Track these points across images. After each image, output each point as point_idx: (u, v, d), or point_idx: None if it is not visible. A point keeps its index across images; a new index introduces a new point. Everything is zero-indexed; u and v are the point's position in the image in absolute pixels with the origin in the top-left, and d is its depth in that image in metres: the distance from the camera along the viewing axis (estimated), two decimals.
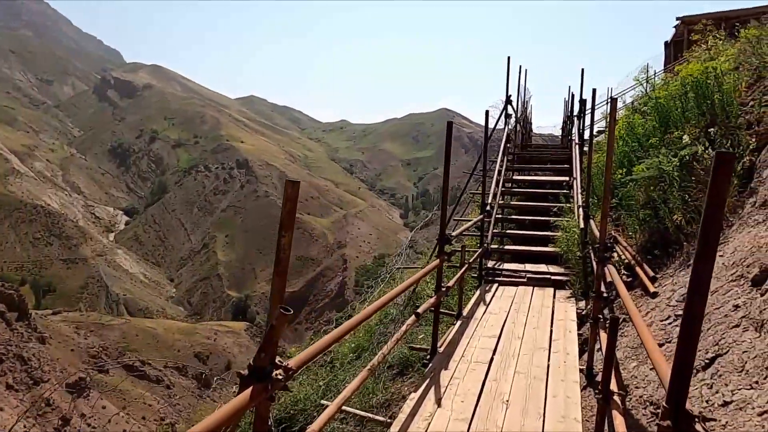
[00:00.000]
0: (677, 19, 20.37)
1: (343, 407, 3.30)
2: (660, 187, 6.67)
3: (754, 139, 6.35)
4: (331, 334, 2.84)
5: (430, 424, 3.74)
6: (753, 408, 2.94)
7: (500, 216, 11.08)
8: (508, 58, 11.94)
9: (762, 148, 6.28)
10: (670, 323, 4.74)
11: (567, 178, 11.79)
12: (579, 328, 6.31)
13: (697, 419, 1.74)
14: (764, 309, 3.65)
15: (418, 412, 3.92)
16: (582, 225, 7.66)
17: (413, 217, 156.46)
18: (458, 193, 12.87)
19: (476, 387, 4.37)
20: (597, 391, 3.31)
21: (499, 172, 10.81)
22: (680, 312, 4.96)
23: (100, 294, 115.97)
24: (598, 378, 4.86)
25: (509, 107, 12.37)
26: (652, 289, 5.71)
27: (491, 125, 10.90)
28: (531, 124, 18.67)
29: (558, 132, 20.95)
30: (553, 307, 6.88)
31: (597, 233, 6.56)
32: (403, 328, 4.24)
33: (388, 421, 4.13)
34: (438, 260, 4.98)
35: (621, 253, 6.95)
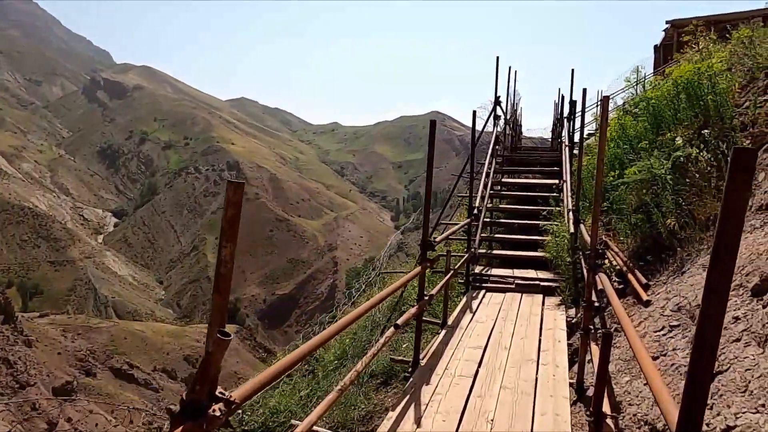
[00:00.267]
0: (667, 22, 20.25)
1: (314, 428, 3.00)
2: (652, 190, 6.44)
3: (748, 141, 6.14)
4: (288, 358, 2.55)
5: None
6: None
7: (488, 220, 10.83)
8: (497, 58, 11.72)
9: (758, 150, 6.08)
10: (664, 334, 4.48)
11: (557, 181, 11.57)
12: (569, 338, 6.05)
13: None
14: (767, 323, 3.40)
15: None
16: (572, 229, 7.41)
17: (404, 219, 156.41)
18: (448, 196, 12.60)
19: (459, 404, 4.09)
20: (589, 413, 3.04)
21: (488, 174, 10.56)
22: (675, 322, 4.72)
23: (88, 296, 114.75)
24: (589, 393, 4.60)
25: (498, 108, 12.14)
26: (644, 297, 5.46)
27: (479, 127, 10.65)
28: (521, 126, 18.47)
29: (548, 135, 20.80)
30: (542, 315, 6.62)
31: (588, 238, 6.31)
32: (382, 340, 3.95)
33: None
34: (420, 268, 4.68)
35: (612, 259, 6.70)
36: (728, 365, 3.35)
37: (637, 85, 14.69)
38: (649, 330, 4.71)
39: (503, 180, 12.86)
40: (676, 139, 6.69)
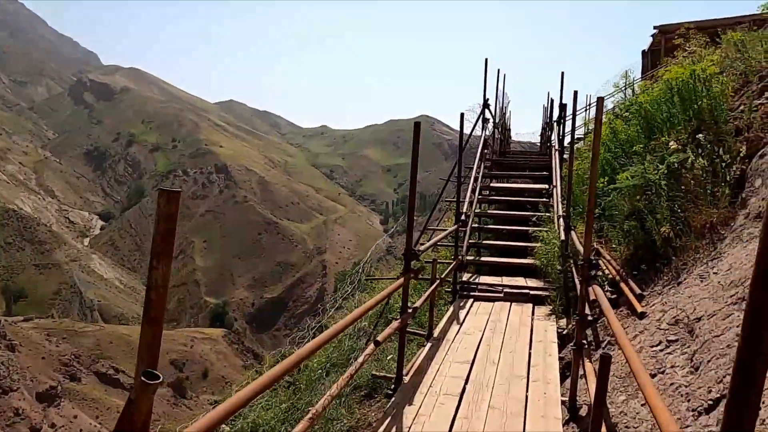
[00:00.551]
0: (654, 28, 20.22)
1: None
2: (646, 196, 6.22)
3: (744, 146, 5.93)
4: (249, 388, 2.25)
5: None
6: None
7: (476, 225, 10.57)
8: (486, 59, 11.48)
9: (753, 156, 5.88)
10: (661, 350, 4.23)
11: (546, 186, 11.34)
12: (560, 350, 5.79)
13: None
14: None
15: None
16: (563, 236, 7.17)
17: (393, 223, 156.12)
18: (436, 201, 12.34)
19: (444, 426, 3.81)
20: None
21: (476, 178, 10.31)
22: (673, 337, 4.46)
23: (74, 300, 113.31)
24: (582, 412, 4.33)
25: (487, 111, 11.90)
26: (639, 308, 5.21)
27: (468, 130, 10.42)
28: (509, 130, 18.26)
29: (536, 139, 20.66)
30: (532, 326, 6.35)
31: (579, 246, 6.06)
32: (360, 359, 3.66)
33: None
34: (402, 279, 4.39)
35: (605, 267, 6.46)
36: None
37: (626, 88, 14.56)
38: (645, 345, 4.46)
39: (492, 185, 12.61)
40: (670, 143, 6.48)
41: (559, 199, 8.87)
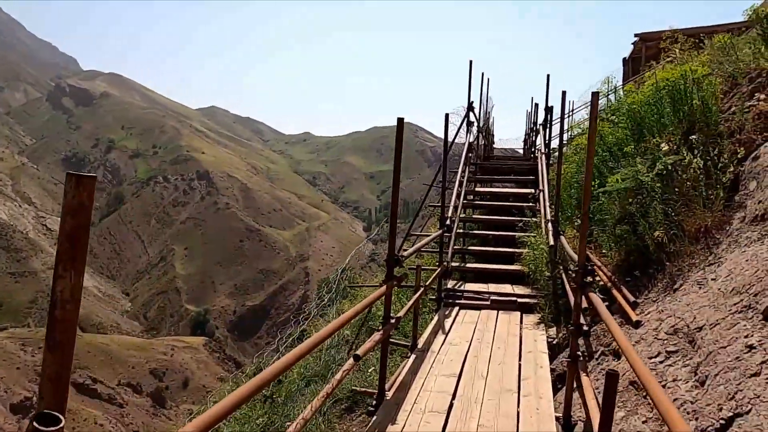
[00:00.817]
0: (635, 35, 20.30)
1: None
2: (637, 199, 5.98)
3: (742, 148, 5.73)
4: (224, 403, 1.92)
5: None
6: None
7: (462, 231, 10.30)
8: (470, 62, 11.27)
9: (746, 157, 5.69)
10: (661, 362, 3.95)
11: (532, 191, 11.12)
12: (551, 361, 5.51)
13: None
14: None
15: None
16: (551, 241, 6.90)
17: (376, 230, 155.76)
18: (419, 206, 12.08)
19: None
20: None
21: (461, 183, 10.03)
22: (672, 348, 4.18)
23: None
24: (578, 429, 4.04)
25: (471, 114, 11.66)
26: (634, 317, 4.93)
27: (452, 132, 10.16)
28: (493, 135, 18.08)
29: (519, 145, 20.55)
30: (521, 335, 6.06)
31: (569, 251, 5.80)
32: (338, 375, 3.33)
33: None
34: (385, 287, 4.07)
35: (595, 273, 6.21)
36: (749, 406, 2.82)
37: (609, 94, 14.46)
38: (643, 356, 4.19)
39: (477, 189, 12.37)
40: (662, 145, 6.27)
41: (547, 204, 8.63)
